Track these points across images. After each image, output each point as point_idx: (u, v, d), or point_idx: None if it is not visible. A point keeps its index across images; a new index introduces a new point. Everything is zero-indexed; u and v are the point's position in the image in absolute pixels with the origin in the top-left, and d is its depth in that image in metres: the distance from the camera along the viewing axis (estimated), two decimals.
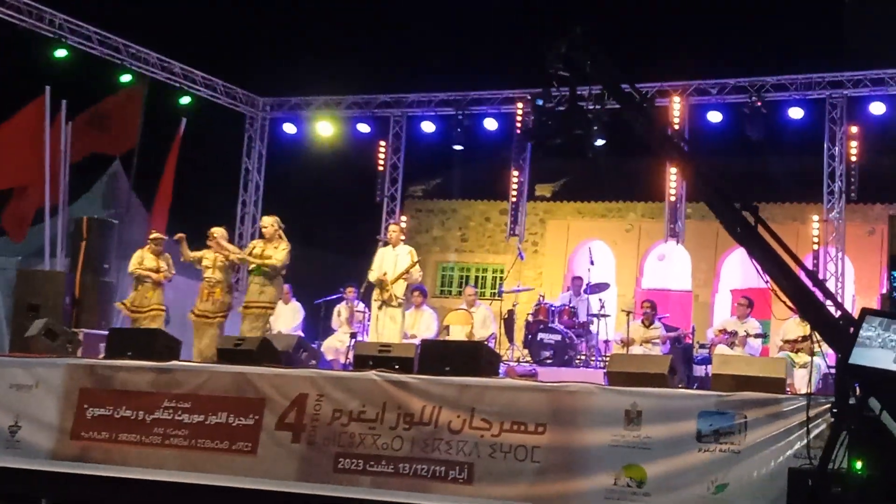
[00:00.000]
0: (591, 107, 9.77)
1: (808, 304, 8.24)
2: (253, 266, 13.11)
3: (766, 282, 8.31)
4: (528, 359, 15.54)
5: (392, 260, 13.49)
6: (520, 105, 19.55)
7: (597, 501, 9.39)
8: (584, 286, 16.81)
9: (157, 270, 13.93)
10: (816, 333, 8.42)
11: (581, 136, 9.79)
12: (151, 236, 14.25)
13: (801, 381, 12.78)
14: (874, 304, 14.11)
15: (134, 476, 10.94)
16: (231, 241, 13.99)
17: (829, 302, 8.40)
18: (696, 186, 8.82)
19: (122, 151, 18.56)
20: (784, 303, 8.52)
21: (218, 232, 13.55)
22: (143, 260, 13.98)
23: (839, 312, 8.30)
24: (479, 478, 9.83)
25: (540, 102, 9.86)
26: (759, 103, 17.80)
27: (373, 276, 13.44)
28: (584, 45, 9.21)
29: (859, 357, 7.47)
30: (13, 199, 16.70)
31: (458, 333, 14.78)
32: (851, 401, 7.70)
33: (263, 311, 13.12)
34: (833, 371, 8.59)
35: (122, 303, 14.04)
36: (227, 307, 13.46)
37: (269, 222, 13.22)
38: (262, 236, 13.45)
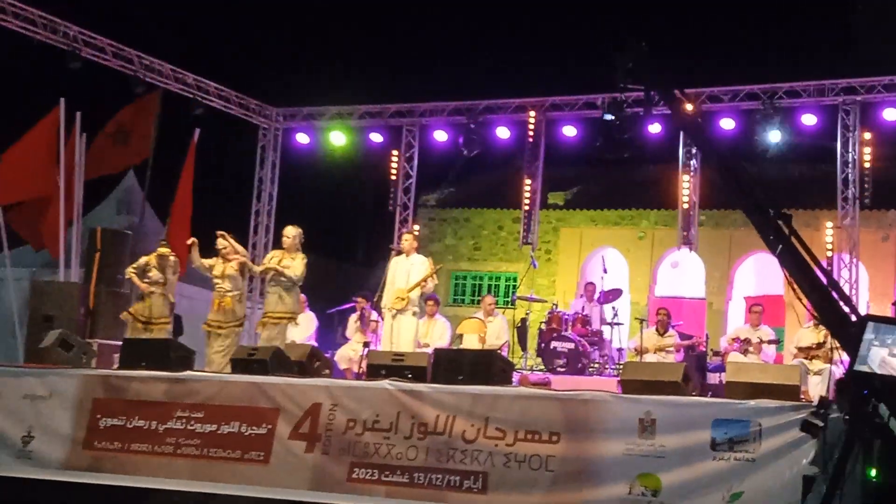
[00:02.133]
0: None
1: (832, 313, 8.23)
2: (270, 276, 13.04)
3: (794, 290, 8.32)
4: (542, 367, 15.48)
5: (405, 269, 13.44)
6: (532, 113, 19.51)
7: None
8: (597, 293, 16.75)
9: (159, 282, 13.78)
10: (836, 341, 8.39)
11: (641, 147, 9.99)
12: (159, 250, 14.09)
13: (815, 389, 12.70)
14: (888, 312, 14.03)
15: (146, 486, 10.94)
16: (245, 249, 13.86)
17: (850, 312, 8.37)
18: (735, 195, 8.87)
19: (139, 161, 18.58)
20: (810, 312, 8.54)
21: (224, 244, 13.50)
22: (146, 269, 13.87)
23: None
24: (493, 487, 9.79)
25: (609, 117, 9.99)
26: (771, 110, 17.71)
27: (389, 287, 13.33)
28: (645, 57, 9.31)
29: (862, 364, 7.45)
30: (40, 214, 16.69)
31: (471, 342, 14.73)
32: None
33: (281, 321, 13.05)
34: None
35: (129, 311, 13.95)
36: (238, 317, 13.36)
37: (293, 234, 13.09)
38: (279, 246, 13.40)
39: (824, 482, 7.78)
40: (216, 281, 13.31)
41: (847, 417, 7.91)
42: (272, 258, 13.16)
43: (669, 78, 9.37)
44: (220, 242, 13.43)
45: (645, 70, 9.40)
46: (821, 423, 7.90)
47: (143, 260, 13.92)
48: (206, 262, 13.40)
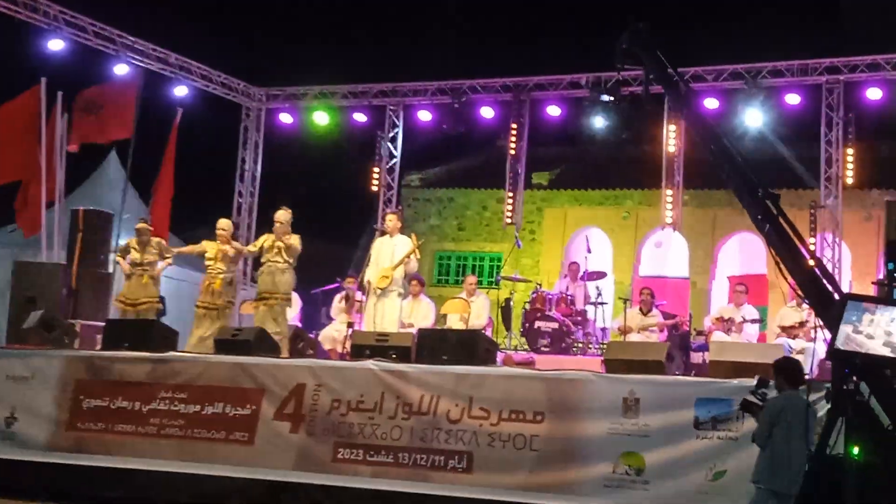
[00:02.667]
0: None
1: (817, 292, 8.26)
2: (266, 258, 13.01)
3: (780, 269, 8.36)
4: (526, 347, 15.50)
5: (390, 249, 13.41)
6: (516, 93, 19.47)
7: (595, 490, 9.37)
8: (580, 273, 16.75)
9: (141, 264, 13.76)
10: (819, 320, 8.42)
11: (639, 126, 10.03)
12: (136, 226, 14.08)
13: None
14: (870, 291, 14.07)
15: (130, 466, 10.92)
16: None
17: (834, 291, 8.40)
18: (725, 174, 8.90)
19: (114, 139, 18.44)
20: (794, 291, 8.57)
21: (225, 224, 13.53)
22: (127, 251, 13.88)
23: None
24: (478, 467, 9.81)
25: (606, 98, 10.02)
26: (755, 89, 17.71)
27: (372, 267, 13.33)
28: (644, 39, 9.31)
29: (848, 343, 7.48)
30: (20, 196, 16.56)
31: (455, 322, 14.75)
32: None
33: (279, 301, 12.99)
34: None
35: (118, 298, 13.93)
36: (227, 298, 13.36)
37: (286, 218, 13.02)
38: (263, 226, 13.36)
39: (808, 460, 7.80)
40: (208, 263, 13.33)
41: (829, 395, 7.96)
42: (264, 241, 13.12)
43: (665, 57, 9.37)
44: (221, 224, 13.43)
45: (641, 50, 9.40)
46: (760, 402, 7.95)
47: (124, 242, 13.89)
48: (194, 247, 13.51)
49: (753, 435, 8.04)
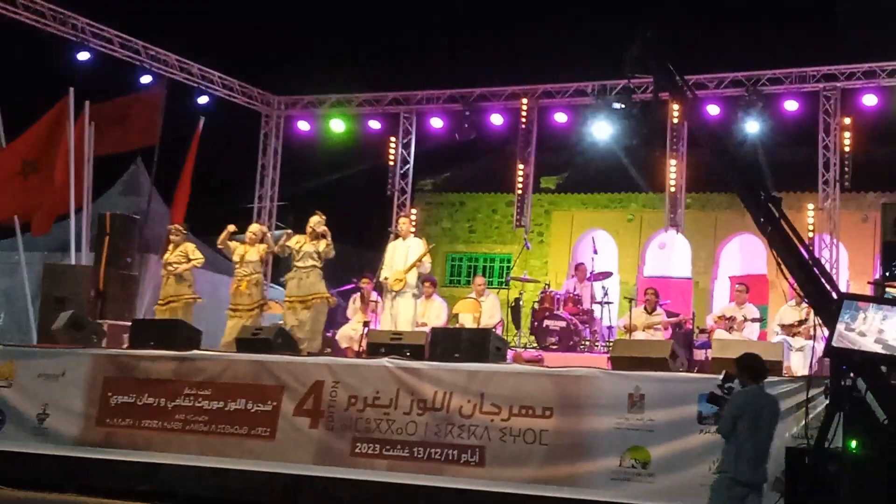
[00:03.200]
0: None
1: (816, 291, 8.29)
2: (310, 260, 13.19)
3: (781, 269, 8.39)
4: (535, 345, 15.50)
5: (403, 251, 13.49)
6: (524, 101, 19.48)
7: (603, 483, 9.39)
8: (587, 274, 16.75)
9: (170, 263, 14.00)
10: (819, 318, 8.44)
11: (648, 133, 10.04)
12: (168, 226, 14.37)
13: (797, 364, 12.74)
14: (867, 290, 14.05)
15: (156, 460, 10.98)
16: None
17: (832, 290, 8.43)
18: (730, 178, 8.92)
19: (138, 146, 18.53)
20: (794, 290, 8.60)
21: (255, 228, 13.92)
22: (165, 252, 14.16)
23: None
24: (490, 461, 9.84)
25: (617, 105, 10.03)
26: (755, 96, 17.70)
27: (387, 269, 13.42)
28: (653, 47, 9.33)
29: (840, 340, 7.50)
30: (39, 198, 16.62)
31: (467, 321, 14.77)
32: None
33: (322, 301, 13.26)
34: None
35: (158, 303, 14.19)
36: (255, 300, 13.58)
37: (318, 221, 13.32)
38: (282, 228, 13.51)
39: (807, 454, 7.83)
40: (236, 265, 13.54)
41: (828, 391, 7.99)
42: (303, 243, 13.24)
43: (673, 66, 9.39)
44: (252, 228, 13.84)
45: (650, 58, 9.41)
46: (725, 396, 7.99)
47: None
48: (232, 244, 13.76)
49: (718, 427, 8.09)
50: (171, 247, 14.15)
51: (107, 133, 17.27)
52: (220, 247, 14.01)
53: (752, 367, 8.15)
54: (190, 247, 14.23)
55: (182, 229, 14.45)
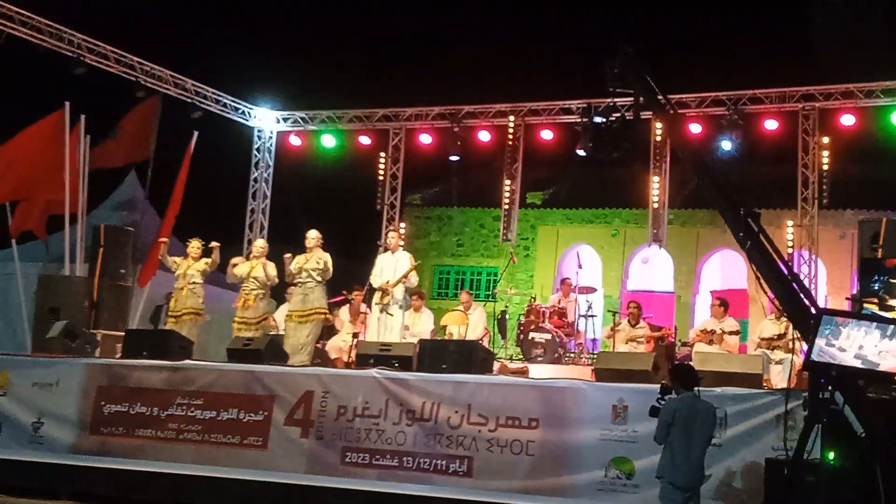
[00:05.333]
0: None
1: (794, 306, 8.35)
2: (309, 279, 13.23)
3: (760, 283, 8.45)
4: (521, 356, 15.53)
5: (392, 264, 13.52)
6: (511, 118, 19.55)
7: (589, 493, 9.41)
8: (572, 288, 16.80)
9: (179, 276, 14.05)
10: (798, 332, 8.49)
11: (629, 147, 10.03)
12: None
13: (776, 377, 12.79)
14: (845, 306, 14.14)
15: (151, 469, 10.96)
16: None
17: (810, 305, 8.48)
18: (710, 194, 8.98)
19: (139, 160, 18.52)
20: (773, 304, 8.65)
21: (261, 244, 14.10)
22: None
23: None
24: (478, 471, 9.86)
25: (599, 121, 10.02)
26: (736, 115, 17.79)
27: (375, 281, 13.47)
28: (633, 63, 9.37)
29: (819, 354, 7.56)
30: (33, 209, 16.60)
31: (454, 333, 14.79)
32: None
33: (323, 316, 13.40)
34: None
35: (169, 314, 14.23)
36: (261, 313, 13.67)
37: (316, 236, 13.40)
38: (273, 240, 13.55)
39: (786, 465, 7.86)
40: (242, 281, 13.67)
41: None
42: (306, 261, 13.26)
43: (655, 83, 9.43)
44: (255, 244, 14.11)
45: (632, 75, 9.46)
46: (662, 407, 8.13)
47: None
48: (171, 259, 14.10)
49: (655, 435, 8.16)
50: (184, 260, 14.12)
51: (103, 148, 17.29)
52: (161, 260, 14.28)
53: (682, 374, 8.33)
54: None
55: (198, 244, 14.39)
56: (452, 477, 9.91)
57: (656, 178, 18.80)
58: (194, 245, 14.19)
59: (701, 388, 9.29)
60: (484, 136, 19.92)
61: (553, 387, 10.05)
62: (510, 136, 19.64)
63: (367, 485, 10.15)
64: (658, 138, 18.45)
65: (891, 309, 11.63)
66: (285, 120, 21.52)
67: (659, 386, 8.36)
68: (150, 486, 10.89)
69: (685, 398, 8.13)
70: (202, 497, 10.65)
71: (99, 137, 17.31)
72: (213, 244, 13.95)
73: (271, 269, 13.73)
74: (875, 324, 7.72)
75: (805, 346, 7.91)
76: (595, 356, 14.26)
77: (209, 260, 13.97)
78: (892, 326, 7.67)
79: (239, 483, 10.57)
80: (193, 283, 13.84)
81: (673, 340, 15.32)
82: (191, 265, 13.96)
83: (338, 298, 15.70)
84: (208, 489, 10.66)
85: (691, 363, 8.54)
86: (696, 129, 18.21)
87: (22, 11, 16.37)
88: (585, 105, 18.39)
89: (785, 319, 12.69)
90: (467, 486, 9.83)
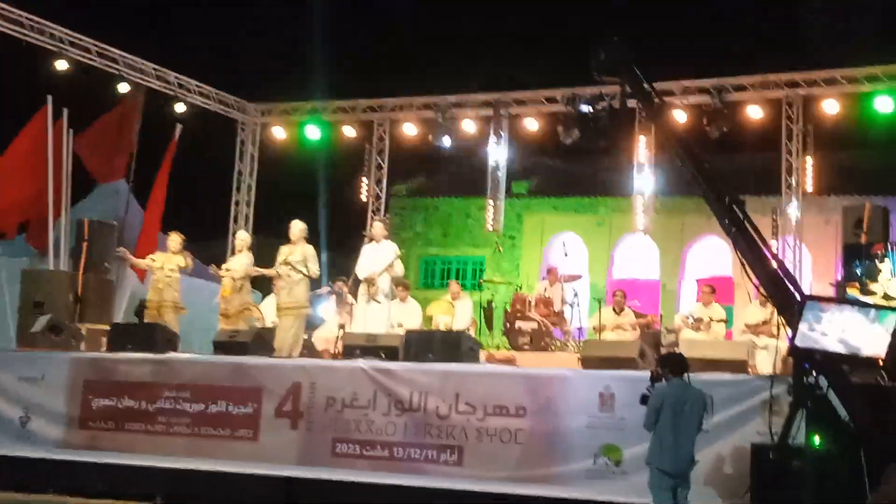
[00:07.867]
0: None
1: (779, 292, 8.40)
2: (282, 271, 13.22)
3: (745, 270, 8.51)
4: (507, 346, 15.57)
5: (377, 255, 13.52)
6: (496, 108, 19.53)
7: (578, 481, 9.47)
8: (558, 277, 16.83)
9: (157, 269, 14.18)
10: (782, 318, 8.54)
11: (613, 136, 10.05)
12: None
13: (762, 363, 12.85)
14: (830, 291, 14.21)
15: (142, 463, 10.94)
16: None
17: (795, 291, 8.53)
18: (695, 182, 9.02)
19: (108, 181, 18.57)
20: (758, 289, 8.71)
21: (242, 236, 14.31)
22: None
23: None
24: (468, 460, 9.90)
25: (585, 109, 10.06)
26: (720, 103, 17.81)
27: (361, 272, 13.45)
28: (619, 52, 9.39)
29: (803, 340, 7.61)
30: (29, 212, 16.58)
31: (440, 323, 14.81)
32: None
33: (305, 310, 13.37)
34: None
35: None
36: (240, 302, 13.76)
37: (300, 228, 13.37)
38: (258, 232, 13.57)
39: (771, 449, 7.92)
40: (224, 274, 13.80)
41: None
42: (289, 254, 13.24)
43: (641, 72, 9.46)
44: (238, 236, 14.30)
45: (618, 63, 9.48)
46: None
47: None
48: (144, 260, 14.38)
49: (644, 422, 8.22)
50: (162, 255, 14.16)
51: (92, 159, 17.30)
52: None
53: (671, 361, 8.42)
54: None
55: (179, 238, 14.41)
56: (443, 466, 9.96)
57: (642, 166, 18.84)
58: (174, 239, 14.23)
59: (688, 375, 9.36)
60: (469, 126, 19.91)
61: (539, 375, 10.10)
62: (495, 126, 19.64)
63: (358, 475, 10.18)
64: (643, 126, 18.47)
65: (872, 293, 11.74)
66: (269, 112, 21.46)
67: (649, 374, 8.40)
68: (142, 480, 10.88)
69: (674, 385, 8.19)
70: (196, 490, 10.64)
71: (81, 132, 17.19)
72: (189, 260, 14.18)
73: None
74: (857, 308, 7.79)
75: (790, 332, 7.97)
76: (581, 344, 14.31)
77: (187, 262, 14.13)
78: (873, 311, 7.74)
79: (232, 476, 10.55)
80: (170, 275, 13.94)
81: (659, 327, 15.38)
82: (170, 258, 14.05)
83: (323, 289, 15.71)
84: (200, 482, 10.65)
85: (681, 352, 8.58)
86: (680, 117, 18.23)
87: (2, 5, 16.28)
88: (571, 95, 18.40)
89: (770, 305, 12.75)
90: (458, 476, 9.87)
